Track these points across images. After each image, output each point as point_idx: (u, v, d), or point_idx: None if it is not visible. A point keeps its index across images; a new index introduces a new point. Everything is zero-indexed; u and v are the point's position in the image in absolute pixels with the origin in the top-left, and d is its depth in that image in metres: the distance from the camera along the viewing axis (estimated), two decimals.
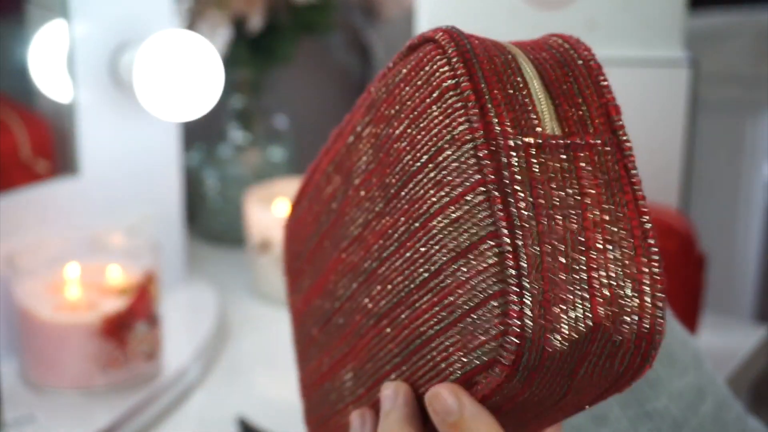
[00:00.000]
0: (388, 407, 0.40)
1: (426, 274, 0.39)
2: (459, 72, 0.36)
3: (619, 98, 0.45)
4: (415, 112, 0.39)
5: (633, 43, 0.83)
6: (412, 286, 0.40)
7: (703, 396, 0.49)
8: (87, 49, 0.85)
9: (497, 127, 0.35)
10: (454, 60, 0.37)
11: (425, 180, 0.38)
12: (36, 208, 0.84)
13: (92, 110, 0.87)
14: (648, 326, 0.35)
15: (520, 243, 0.34)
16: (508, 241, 0.34)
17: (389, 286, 0.42)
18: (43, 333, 0.77)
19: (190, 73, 0.84)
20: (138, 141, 0.91)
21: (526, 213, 0.35)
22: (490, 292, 0.35)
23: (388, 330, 0.42)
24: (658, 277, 0.35)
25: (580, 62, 0.38)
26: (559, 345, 0.34)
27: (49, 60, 0.87)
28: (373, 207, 0.43)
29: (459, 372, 0.37)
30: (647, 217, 0.36)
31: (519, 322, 0.34)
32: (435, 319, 0.39)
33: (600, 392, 0.38)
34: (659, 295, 0.35)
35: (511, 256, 0.34)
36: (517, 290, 0.34)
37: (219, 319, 0.94)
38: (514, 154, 0.35)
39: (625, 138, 0.37)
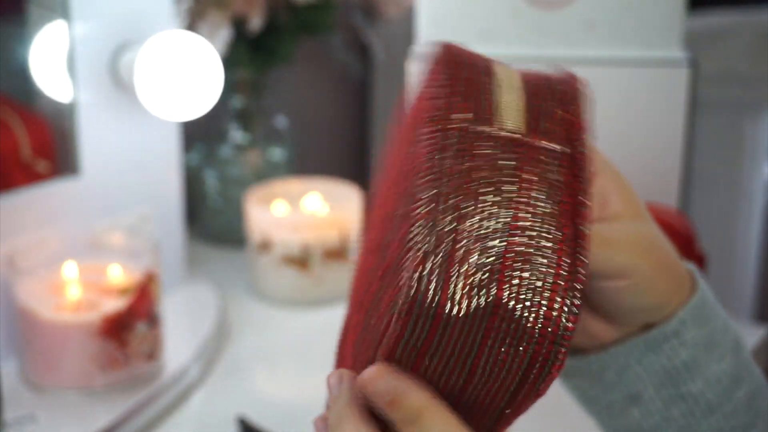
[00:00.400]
0: (334, 394, 0.41)
1: (387, 245, 0.41)
2: (439, 70, 0.40)
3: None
4: (417, 112, 0.42)
5: (633, 43, 0.83)
6: (383, 260, 0.42)
7: (739, 383, 0.49)
8: (87, 49, 0.85)
9: (448, 112, 0.39)
10: (440, 63, 0.41)
11: (409, 161, 0.41)
12: (36, 208, 0.84)
13: (92, 110, 0.87)
14: (553, 323, 0.36)
15: (433, 210, 0.36)
16: (423, 204, 0.36)
17: (376, 271, 0.44)
18: (44, 333, 0.77)
19: (190, 73, 0.84)
20: (138, 141, 0.91)
21: (448, 185, 0.37)
22: (404, 251, 0.36)
23: (366, 315, 0.44)
24: (579, 277, 0.36)
25: (561, 87, 0.41)
26: (450, 307, 0.35)
27: (49, 60, 0.87)
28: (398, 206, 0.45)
29: (380, 336, 0.38)
30: (584, 220, 0.37)
31: (416, 275, 0.35)
32: (379, 286, 0.40)
33: (512, 388, 0.37)
34: (574, 294, 0.36)
35: (422, 220, 0.36)
36: (422, 249, 0.36)
37: (219, 319, 0.94)
38: (455, 134, 0.38)
39: (581, 150, 0.39)
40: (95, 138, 0.87)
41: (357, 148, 1.48)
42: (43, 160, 0.89)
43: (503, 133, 0.38)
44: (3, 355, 0.81)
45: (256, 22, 1.06)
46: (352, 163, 1.49)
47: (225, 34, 1.02)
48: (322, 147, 1.42)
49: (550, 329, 0.36)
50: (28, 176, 0.87)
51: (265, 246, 1.01)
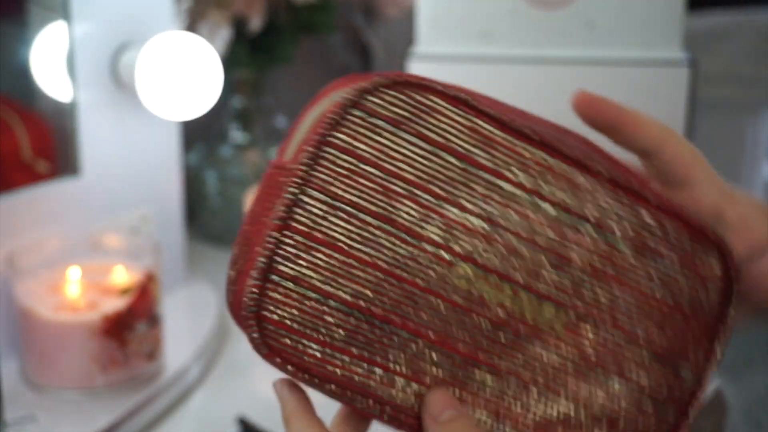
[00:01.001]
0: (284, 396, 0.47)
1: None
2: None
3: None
4: None
5: (633, 43, 0.83)
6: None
7: None
8: (88, 49, 0.85)
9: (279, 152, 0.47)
10: None
11: None
12: (36, 208, 0.84)
13: (93, 110, 0.87)
14: (246, 302, 0.41)
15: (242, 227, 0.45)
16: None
17: None
18: (44, 333, 0.77)
19: (190, 74, 0.84)
20: (138, 141, 0.91)
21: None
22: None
23: None
24: (256, 264, 0.40)
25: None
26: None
27: (49, 60, 0.87)
28: None
29: None
30: (278, 228, 0.40)
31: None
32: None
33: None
34: (258, 278, 0.40)
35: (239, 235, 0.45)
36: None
37: (219, 319, 0.94)
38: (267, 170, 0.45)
39: (299, 166, 0.41)
40: (95, 138, 0.87)
41: None
42: (43, 160, 0.89)
43: (277, 165, 0.43)
44: (3, 355, 0.81)
45: (256, 22, 1.06)
46: None
47: (225, 34, 1.02)
48: None
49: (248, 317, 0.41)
50: (28, 176, 0.87)
51: None
